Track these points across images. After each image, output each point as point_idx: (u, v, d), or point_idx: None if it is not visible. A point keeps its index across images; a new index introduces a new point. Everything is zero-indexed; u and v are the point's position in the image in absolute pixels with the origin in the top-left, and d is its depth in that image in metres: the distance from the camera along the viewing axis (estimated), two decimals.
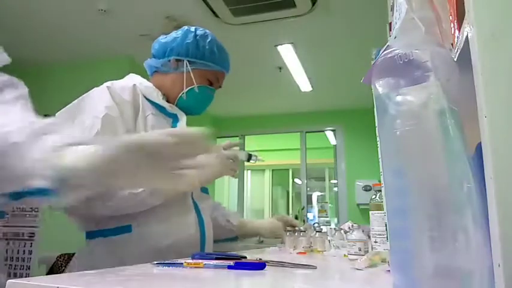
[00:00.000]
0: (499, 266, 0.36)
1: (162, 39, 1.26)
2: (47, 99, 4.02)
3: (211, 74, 1.24)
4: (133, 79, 1.20)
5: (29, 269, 2.84)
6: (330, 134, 5.87)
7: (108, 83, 1.11)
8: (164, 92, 1.22)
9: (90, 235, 1.06)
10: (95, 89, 1.11)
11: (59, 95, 3.77)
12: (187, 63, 1.20)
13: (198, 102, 1.25)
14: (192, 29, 1.24)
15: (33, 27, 3.42)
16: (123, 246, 1.02)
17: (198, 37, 1.22)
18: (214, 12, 3.10)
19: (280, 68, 4.17)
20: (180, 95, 1.21)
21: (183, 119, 1.21)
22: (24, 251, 2.85)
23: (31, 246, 2.93)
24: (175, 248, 1.04)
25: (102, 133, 0.98)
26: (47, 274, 3.02)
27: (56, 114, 1.06)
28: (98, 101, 1.06)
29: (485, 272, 0.39)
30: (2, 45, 0.90)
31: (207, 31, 1.26)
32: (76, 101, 1.09)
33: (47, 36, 3.58)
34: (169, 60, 1.21)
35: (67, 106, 1.08)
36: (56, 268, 3.20)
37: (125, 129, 1.04)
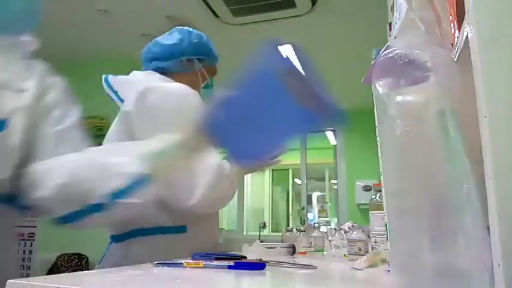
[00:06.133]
0: (499, 266, 0.36)
1: (163, 41, 1.28)
2: None
3: (215, 69, 1.33)
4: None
5: (29, 269, 2.84)
6: (330, 134, 5.86)
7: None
8: None
9: (129, 235, 1.04)
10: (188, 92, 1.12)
11: None
12: (198, 62, 1.27)
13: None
14: (190, 29, 1.29)
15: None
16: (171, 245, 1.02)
17: (200, 36, 1.29)
18: (214, 12, 3.10)
19: None
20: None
21: None
22: (24, 251, 2.85)
23: (31, 246, 2.92)
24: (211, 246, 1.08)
25: None
26: (47, 274, 3.03)
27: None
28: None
29: (485, 272, 0.39)
30: None
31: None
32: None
33: (47, 36, 3.57)
34: (180, 61, 1.25)
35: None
36: (56, 268, 3.20)
37: None
